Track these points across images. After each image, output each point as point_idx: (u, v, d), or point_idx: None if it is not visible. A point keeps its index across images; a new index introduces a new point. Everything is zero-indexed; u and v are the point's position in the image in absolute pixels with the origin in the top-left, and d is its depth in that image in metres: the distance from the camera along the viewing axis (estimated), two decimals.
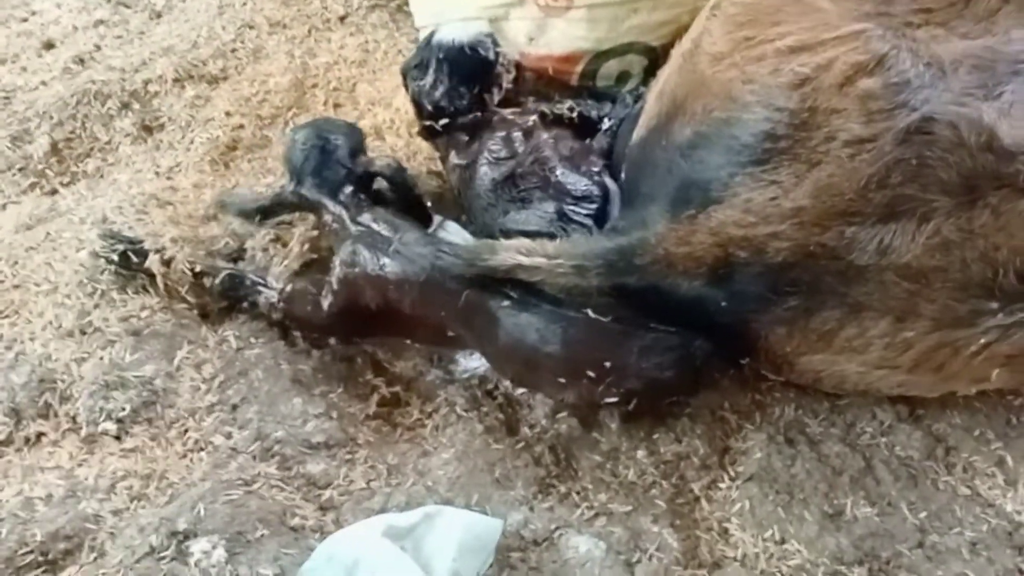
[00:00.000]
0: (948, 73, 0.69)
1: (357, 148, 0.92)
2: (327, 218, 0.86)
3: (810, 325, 0.74)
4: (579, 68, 1.09)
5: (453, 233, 0.98)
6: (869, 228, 0.69)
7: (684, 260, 0.74)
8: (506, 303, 0.77)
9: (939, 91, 0.69)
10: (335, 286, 0.82)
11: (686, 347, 0.76)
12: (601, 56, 1.08)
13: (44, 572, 0.70)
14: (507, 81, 1.01)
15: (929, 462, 0.80)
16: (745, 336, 0.77)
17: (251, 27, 1.33)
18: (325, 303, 0.83)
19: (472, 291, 0.78)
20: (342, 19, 1.38)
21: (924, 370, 0.74)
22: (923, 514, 0.76)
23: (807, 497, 0.76)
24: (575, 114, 1.04)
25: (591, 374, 0.75)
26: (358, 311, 0.83)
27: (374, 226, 0.83)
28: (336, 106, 1.21)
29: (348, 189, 0.87)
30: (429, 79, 0.99)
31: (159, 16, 1.40)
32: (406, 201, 0.90)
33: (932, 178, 0.68)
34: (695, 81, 0.82)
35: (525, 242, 0.79)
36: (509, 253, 0.78)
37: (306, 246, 0.92)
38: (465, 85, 0.99)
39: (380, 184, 0.93)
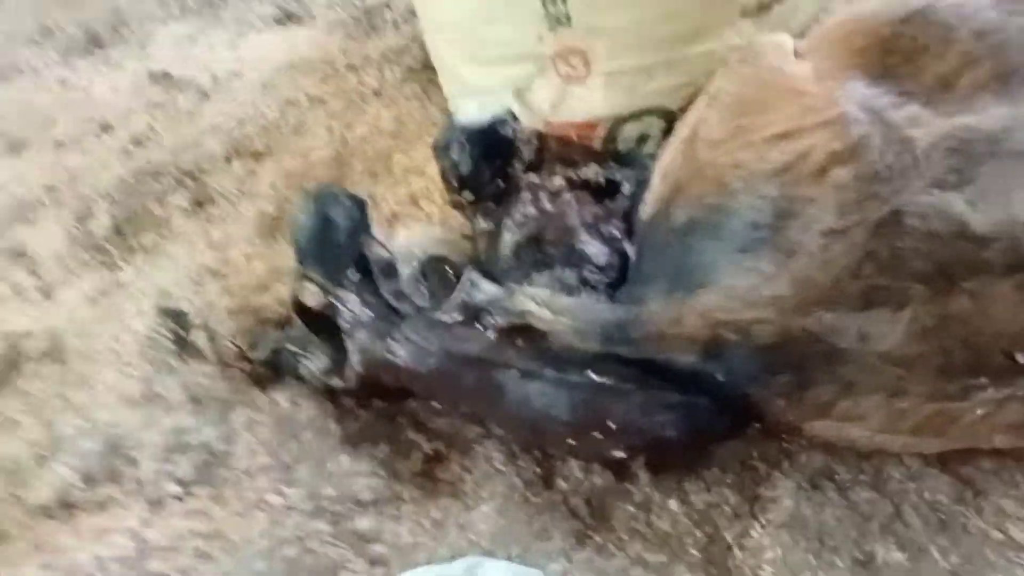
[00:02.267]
0: (921, 160, 0.71)
1: (357, 226, 0.94)
2: (336, 302, 0.90)
3: (805, 399, 0.76)
4: (600, 133, 1.15)
5: (485, 291, 1.02)
6: (846, 316, 0.72)
7: (676, 339, 0.77)
8: (512, 373, 0.82)
9: (910, 180, 0.71)
10: (356, 368, 0.87)
11: (688, 406, 0.79)
12: (621, 121, 1.14)
13: None
14: (529, 153, 1.07)
15: (959, 506, 0.81)
16: (748, 406, 0.80)
17: (293, 104, 1.42)
18: (352, 380, 0.88)
19: (479, 370, 0.83)
20: (376, 93, 1.45)
21: (926, 434, 0.76)
22: (954, 558, 0.78)
23: (838, 544, 0.79)
24: (602, 178, 1.09)
25: (597, 433, 0.79)
26: (382, 387, 0.88)
27: (383, 309, 0.87)
28: (373, 175, 1.28)
29: (356, 279, 0.90)
30: (454, 158, 1.05)
31: (207, 96, 1.50)
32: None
33: (905, 268, 0.70)
34: (694, 167, 0.86)
35: (542, 293, 0.84)
36: (525, 298, 0.82)
37: None
38: (488, 161, 1.05)
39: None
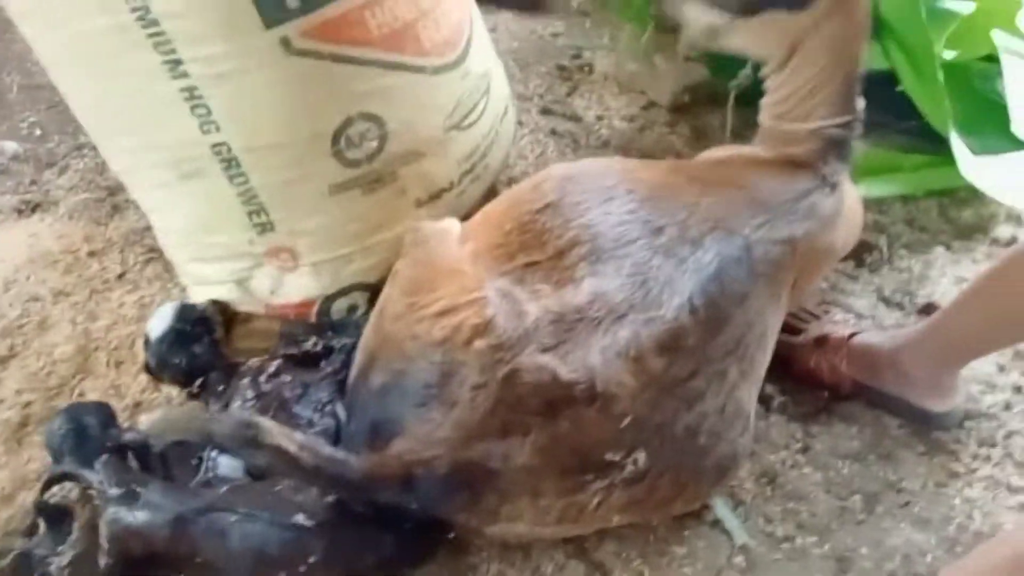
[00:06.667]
0: (531, 332, 0.99)
1: (108, 423, 1.14)
2: (91, 485, 1.05)
3: (478, 508, 1.01)
4: (314, 310, 1.36)
5: (224, 466, 1.19)
6: (493, 444, 0.98)
7: (381, 479, 1.00)
8: (234, 518, 1.01)
9: (523, 347, 0.99)
10: (106, 545, 1.01)
11: (377, 540, 1.03)
12: (330, 298, 1.36)
13: None
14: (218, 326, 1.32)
15: None
16: (441, 521, 1.03)
17: (36, 300, 1.50)
18: (102, 562, 1.01)
19: (206, 518, 1.01)
20: (120, 277, 1.56)
21: (566, 523, 1.03)
22: None
23: None
24: (319, 347, 1.30)
25: (302, 568, 0.99)
26: (132, 561, 1.02)
27: (129, 486, 1.03)
28: (118, 364, 1.40)
29: (103, 458, 1.06)
30: (171, 361, 1.23)
31: None
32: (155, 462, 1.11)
33: (526, 406, 0.98)
34: (382, 337, 1.10)
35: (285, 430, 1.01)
36: (277, 435, 0.99)
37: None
38: (195, 349, 1.27)
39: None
